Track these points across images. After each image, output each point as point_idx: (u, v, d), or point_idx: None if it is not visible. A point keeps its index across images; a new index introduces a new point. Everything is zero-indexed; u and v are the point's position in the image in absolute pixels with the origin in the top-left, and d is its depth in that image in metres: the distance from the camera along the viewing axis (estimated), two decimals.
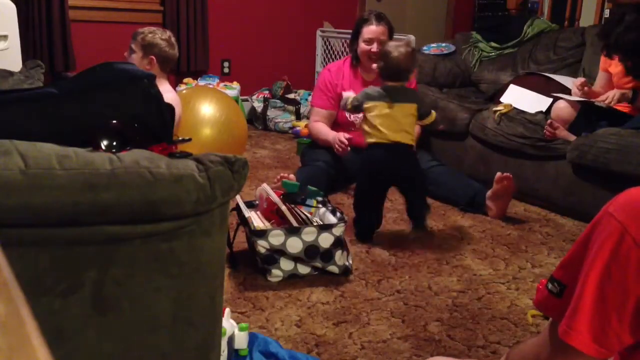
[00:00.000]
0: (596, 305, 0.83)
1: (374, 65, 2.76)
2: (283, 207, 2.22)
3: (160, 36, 2.80)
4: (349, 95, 2.64)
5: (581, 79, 3.12)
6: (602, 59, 3.11)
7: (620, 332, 0.83)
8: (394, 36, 3.32)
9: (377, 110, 2.49)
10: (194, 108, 3.05)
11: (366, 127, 2.53)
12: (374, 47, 3.15)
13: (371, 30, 3.24)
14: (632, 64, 2.56)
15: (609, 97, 2.91)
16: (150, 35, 2.78)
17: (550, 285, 0.92)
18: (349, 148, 2.99)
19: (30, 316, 0.36)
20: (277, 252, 2.12)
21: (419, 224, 2.59)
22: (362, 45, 3.23)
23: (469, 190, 3.01)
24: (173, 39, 2.86)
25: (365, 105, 2.51)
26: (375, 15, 3.30)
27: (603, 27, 2.73)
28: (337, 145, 3.03)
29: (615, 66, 3.00)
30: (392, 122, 2.47)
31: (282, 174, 2.76)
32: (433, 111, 2.61)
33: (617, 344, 0.85)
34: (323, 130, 3.27)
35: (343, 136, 3.02)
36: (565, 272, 0.90)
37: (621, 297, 0.82)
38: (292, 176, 2.80)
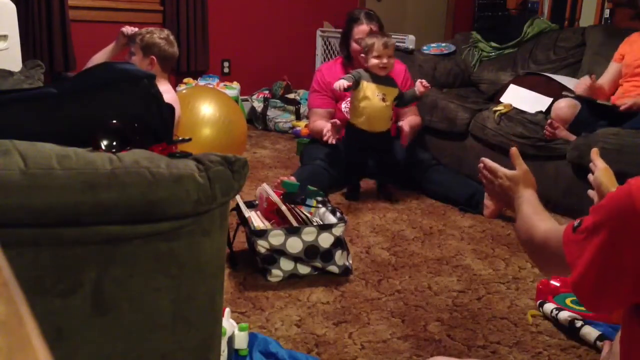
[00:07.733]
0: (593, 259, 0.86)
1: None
2: (283, 207, 2.22)
3: (158, 35, 2.78)
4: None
5: (588, 81, 3.06)
6: (626, 43, 3.09)
7: (619, 292, 0.85)
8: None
9: None
10: (193, 108, 3.04)
11: None
12: None
13: (362, 30, 3.26)
14: None
15: (627, 104, 2.85)
16: (148, 35, 2.76)
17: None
18: (334, 136, 3.01)
19: (30, 316, 0.36)
20: (277, 252, 2.12)
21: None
22: (354, 45, 3.26)
23: (467, 189, 3.01)
24: (172, 37, 2.83)
25: None
26: (365, 14, 3.32)
27: None
28: (325, 134, 3.02)
29: (633, 48, 3.00)
30: None
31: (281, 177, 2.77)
32: None
33: (614, 302, 0.90)
34: (319, 126, 3.27)
35: (330, 123, 3.04)
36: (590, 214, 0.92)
37: (617, 258, 0.84)
38: (292, 178, 2.80)
